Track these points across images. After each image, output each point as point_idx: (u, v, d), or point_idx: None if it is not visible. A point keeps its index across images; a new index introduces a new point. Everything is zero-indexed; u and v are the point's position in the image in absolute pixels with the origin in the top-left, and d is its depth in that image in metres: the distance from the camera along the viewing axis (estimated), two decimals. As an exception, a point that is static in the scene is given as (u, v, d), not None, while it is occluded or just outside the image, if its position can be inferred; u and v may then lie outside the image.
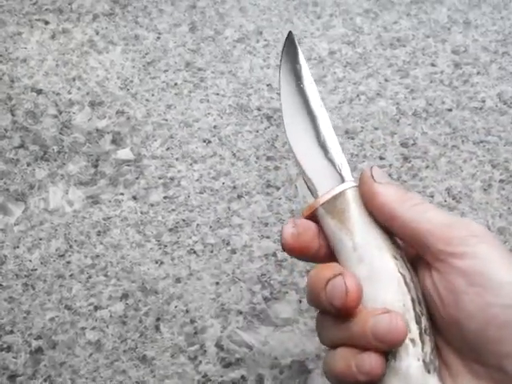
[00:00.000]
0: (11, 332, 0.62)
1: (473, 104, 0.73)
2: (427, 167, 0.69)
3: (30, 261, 0.65)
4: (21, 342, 0.62)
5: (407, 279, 0.41)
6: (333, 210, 0.44)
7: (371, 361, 0.40)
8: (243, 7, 0.78)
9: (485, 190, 0.68)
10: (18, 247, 0.66)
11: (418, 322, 0.41)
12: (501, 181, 0.69)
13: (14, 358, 0.61)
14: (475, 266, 0.39)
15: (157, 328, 0.62)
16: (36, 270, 0.65)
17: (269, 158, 0.70)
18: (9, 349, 0.61)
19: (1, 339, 0.62)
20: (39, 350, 0.61)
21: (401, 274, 0.41)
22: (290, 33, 0.51)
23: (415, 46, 0.76)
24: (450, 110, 0.73)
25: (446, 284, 0.40)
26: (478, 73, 0.75)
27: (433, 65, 0.75)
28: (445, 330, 0.41)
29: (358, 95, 0.73)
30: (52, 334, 0.62)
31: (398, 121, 0.72)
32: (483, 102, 0.73)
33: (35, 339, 0.62)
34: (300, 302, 0.63)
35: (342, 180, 0.47)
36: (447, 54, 0.76)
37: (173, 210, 0.67)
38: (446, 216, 0.41)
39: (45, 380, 0.60)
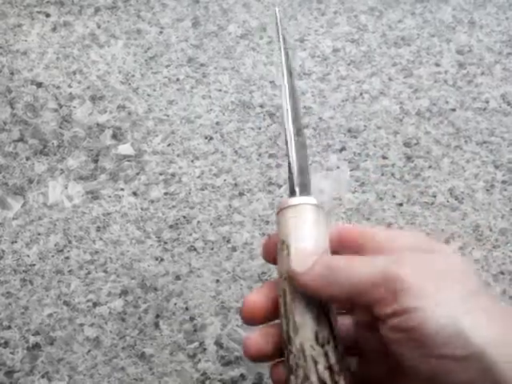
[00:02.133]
0: (8, 327, 0.61)
1: (476, 104, 0.73)
2: (430, 167, 0.69)
3: (29, 256, 0.64)
4: (18, 337, 0.61)
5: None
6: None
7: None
8: (247, 3, 0.78)
9: (487, 190, 0.68)
10: (16, 242, 0.65)
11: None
12: (503, 182, 0.68)
13: (11, 353, 0.60)
14: (408, 321, 0.39)
15: (156, 325, 0.62)
16: (34, 265, 0.64)
17: (271, 156, 0.69)
18: (6, 344, 0.61)
19: (-2, 334, 0.61)
20: (37, 345, 0.61)
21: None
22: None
23: (420, 45, 0.76)
24: (454, 110, 0.72)
25: (389, 339, 0.40)
26: (482, 73, 0.74)
27: (437, 64, 0.75)
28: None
29: (361, 94, 0.73)
30: (50, 329, 0.61)
31: (401, 120, 0.72)
32: (487, 102, 0.73)
33: (33, 335, 0.61)
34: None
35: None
36: (452, 53, 0.75)
37: (173, 206, 0.67)
38: (370, 272, 0.41)
39: (42, 376, 0.60)
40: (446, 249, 0.44)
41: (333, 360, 0.42)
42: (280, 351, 0.47)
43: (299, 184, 0.48)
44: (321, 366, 0.42)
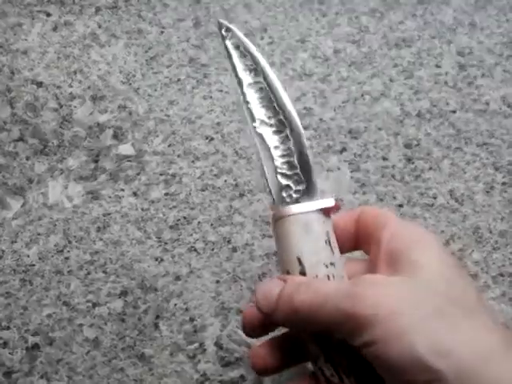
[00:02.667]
0: (7, 328, 0.61)
1: (477, 106, 0.72)
2: (430, 169, 0.69)
3: (28, 256, 0.64)
4: (17, 338, 0.60)
5: None
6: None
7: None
8: (248, 3, 0.77)
9: (487, 192, 0.67)
10: (15, 242, 0.64)
11: None
12: (503, 183, 0.68)
13: (10, 354, 0.60)
14: (374, 352, 0.39)
15: (156, 326, 0.61)
16: (34, 265, 0.63)
17: (271, 157, 0.68)
18: (5, 345, 0.60)
19: (-3, 335, 0.60)
20: (36, 346, 0.60)
21: None
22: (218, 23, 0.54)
23: (420, 46, 0.75)
24: (454, 111, 0.72)
25: (376, 364, 0.40)
26: (483, 75, 0.74)
27: (438, 66, 0.74)
28: None
29: (362, 95, 0.72)
30: (49, 330, 0.61)
31: (401, 121, 0.71)
32: (487, 104, 0.72)
33: (32, 335, 0.61)
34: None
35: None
36: (452, 55, 0.75)
37: (174, 206, 0.66)
38: (333, 314, 0.41)
39: (41, 377, 0.59)
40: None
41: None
42: (286, 363, 0.49)
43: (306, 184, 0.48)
44: None
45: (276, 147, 0.49)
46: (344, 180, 0.68)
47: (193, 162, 0.68)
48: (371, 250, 0.48)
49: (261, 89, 0.50)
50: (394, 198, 0.67)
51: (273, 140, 0.49)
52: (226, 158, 0.69)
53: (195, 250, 0.64)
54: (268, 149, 0.49)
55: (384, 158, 0.69)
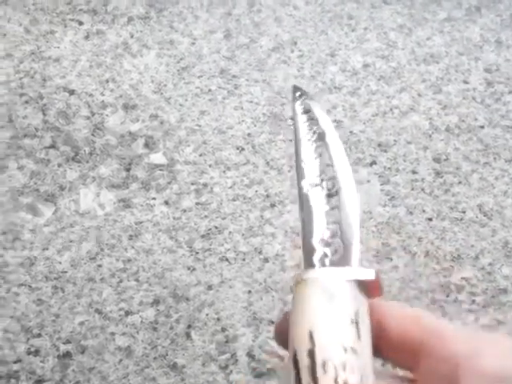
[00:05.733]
0: (39, 335, 0.57)
1: (505, 122, 0.70)
2: (459, 183, 0.66)
3: (60, 263, 0.60)
4: (49, 345, 0.57)
5: None
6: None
7: None
8: (278, 17, 0.75)
9: (516, 208, 0.65)
10: (47, 249, 0.61)
11: None
12: (530, 199, 0.65)
13: (41, 362, 0.56)
14: None
15: (188, 335, 0.58)
16: (66, 272, 0.60)
17: (302, 168, 0.66)
18: (36, 353, 0.56)
19: (28, 342, 0.57)
20: (68, 354, 0.57)
21: None
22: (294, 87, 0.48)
23: (448, 62, 0.73)
24: (482, 127, 0.69)
25: None
26: (510, 92, 0.71)
27: (465, 82, 0.72)
28: None
29: (391, 109, 0.70)
30: (81, 338, 0.57)
31: (430, 136, 0.68)
32: (514, 120, 0.70)
33: (64, 343, 0.57)
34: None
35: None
36: (480, 71, 0.72)
37: (205, 216, 0.63)
38: None
39: (73, 386, 0.56)
40: None
41: None
42: None
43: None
44: None
45: (322, 211, 0.40)
46: (374, 193, 0.65)
47: (224, 171, 0.65)
48: (420, 369, 0.34)
49: (320, 151, 0.43)
50: (424, 211, 0.64)
51: (320, 203, 0.41)
52: (256, 168, 0.66)
53: (227, 259, 0.61)
54: (311, 212, 0.40)
55: (413, 172, 0.66)
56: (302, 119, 0.44)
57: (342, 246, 0.38)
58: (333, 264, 0.36)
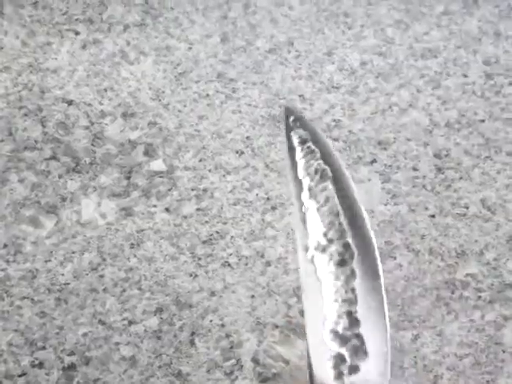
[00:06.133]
0: (43, 348, 0.57)
1: (505, 115, 0.69)
2: (461, 178, 0.65)
3: (63, 274, 0.60)
4: (53, 358, 0.56)
5: None
6: None
7: None
8: (274, 18, 0.74)
9: (519, 201, 0.64)
10: (49, 261, 0.61)
11: None
12: (534, 192, 0.64)
13: (46, 374, 0.56)
14: None
15: (192, 343, 0.57)
16: (69, 283, 0.60)
17: (302, 170, 0.65)
18: (41, 365, 0.56)
19: (33, 355, 0.56)
20: (72, 366, 0.56)
21: None
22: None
23: (447, 56, 0.72)
24: (483, 120, 0.68)
25: None
26: (510, 84, 0.70)
27: (464, 75, 0.71)
28: None
29: (390, 106, 0.69)
30: (85, 349, 0.57)
31: (430, 132, 0.67)
32: (515, 112, 0.69)
33: (68, 355, 0.57)
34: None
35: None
36: (478, 64, 0.71)
37: (206, 221, 0.63)
38: None
39: (79, 397, 0.55)
40: None
41: None
42: None
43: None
44: None
45: (332, 288, 0.31)
46: (375, 191, 0.64)
47: (224, 176, 0.65)
48: None
49: (326, 198, 0.36)
50: (426, 208, 0.63)
51: (329, 276, 0.31)
52: (256, 171, 0.65)
53: (229, 264, 0.61)
54: (319, 290, 0.30)
55: (414, 169, 0.65)
56: (298, 154, 0.36)
57: (364, 341, 0.27)
58: (354, 376, 0.25)
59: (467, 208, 0.64)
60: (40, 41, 0.72)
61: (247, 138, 0.67)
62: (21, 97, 0.68)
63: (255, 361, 0.57)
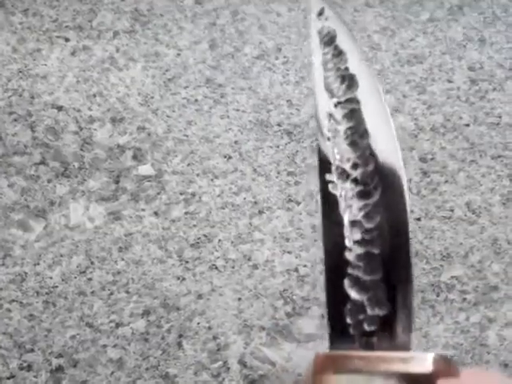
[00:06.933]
0: (32, 350, 0.56)
1: (489, 119, 0.68)
2: (446, 182, 0.65)
3: (51, 278, 0.59)
4: (41, 360, 0.56)
5: None
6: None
7: None
8: (262, 25, 0.73)
9: (504, 204, 0.64)
10: (38, 264, 0.60)
11: None
12: (518, 195, 0.64)
13: (34, 377, 0.55)
14: None
15: (179, 345, 0.57)
16: (57, 286, 0.59)
17: (289, 173, 0.65)
18: (29, 368, 0.56)
19: (21, 358, 0.56)
20: (60, 368, 0.56)
21: None
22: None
23: (432, 62, 0.71)
24: (468, 125, 0.68)
25: None
26: (494, 89, 0.70)
27: (449, 81, 0.70)
28: None
29: (376, 111, 0.68)
30: (73, 352, 0.56)
31: (416, 136, 0.67)
32: (499, 117, 0.68)
33: (56, 357, 0.56)
34: (323, 317, 0.57)
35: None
36: (463, 70, 0.71)
37: (194, 225, 0.62)
38: None
39: (66, 400, 0.55)
40: None
41: None
42: None
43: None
44: None
45: (354, 224, 0.26)
46: (361, 195, 0.63)
47: (212, 180, 0.64)
48: None
49: (352, 112, 0.29)
50: (412, 211, 0.63)
51: (351, 209, 0.26)
52: (244, 175, 0.64)
53: (216, 268, 0.60)
54: (339, 224, 0.25)
55: (400, 173, 0.65)
56: (324, 57, 0.30)
57: (387, 290, 0.25)
58: (376, 332, 0.24)
59: (452, 211, 0.63)
60: (30, 47, 0.71)
61: (235, 142, 0.66)
62: (11, 102, 0.68)
63: (242, 363, 0.57)
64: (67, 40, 0.72)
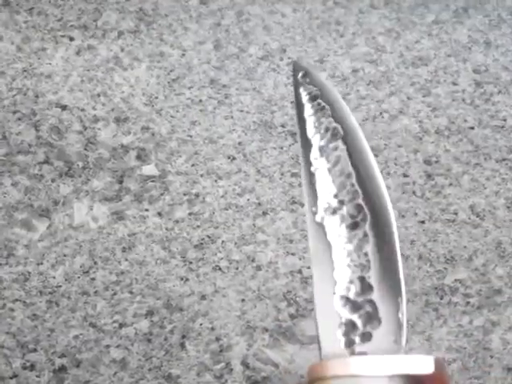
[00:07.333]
0: (34, 350, 0.56)
1: (494, 122, 0.68)
2: (450, 185, 0.64)
3: (54, 277, 0.59)
4: (44, 360, 0.56)
5: None
6: None
7: None
8: (267, 25, 0.73)
9: (508, 207, 0.64)
10: (41, 263, 0.60)
11: None
12: (523, 199, 0.64)
13: (37, 376, 0.55)
14: None
15: (182, 346, 0.57)
16: (60, 286, 0.59)
17: (293, 175, 0.64)
18: (32, 367, 0.55)
19: (24, 357, 0.56)
20: (63, 368, 0.56)
21: None
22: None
23: (437, 64, 0.71)
24: (472, 128, 0.68)
25: None
26: (499, 92, 0.70)
27: (454, 83, 0.70)
28: None
29: (381, 113, 0.68)
30: (76, 352, 0.56)
31: (421, 139, 0.67)
32: (504, 120, 0.68)
33: (59, 357, 0.56)
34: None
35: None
36: (468, 73, 0.71)
37: (198, 226, 0.62)
38: None
39: (69, 400, 0.55)
40: None
41: None
42: None
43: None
44: None
45: (344, 251, 0.28)
46: (365, 197, 0.63)
47: (216, 181, 0.64)
48: None
49: (337, 158, 0.32)
50: (416, 214, 0.63)
51: (340, 238, 0.29)
52: (248, 176, 0.64)
53: (220, 269, 0.60)
54: (329, 255, 0.28)
55: (404, 175, 0.65)
56: (308, 111, 0.33)
57: (377, 308, 0.26)
58: (370, 345, 0.25)
59: (456, 214, 0.63)
60: (35, 46, 0.71)
61: (239, 143, 0.66)
62: (15, 101, 0.68)
63: (245, 364, 0.57)
64: (72, 39, 0.72)
